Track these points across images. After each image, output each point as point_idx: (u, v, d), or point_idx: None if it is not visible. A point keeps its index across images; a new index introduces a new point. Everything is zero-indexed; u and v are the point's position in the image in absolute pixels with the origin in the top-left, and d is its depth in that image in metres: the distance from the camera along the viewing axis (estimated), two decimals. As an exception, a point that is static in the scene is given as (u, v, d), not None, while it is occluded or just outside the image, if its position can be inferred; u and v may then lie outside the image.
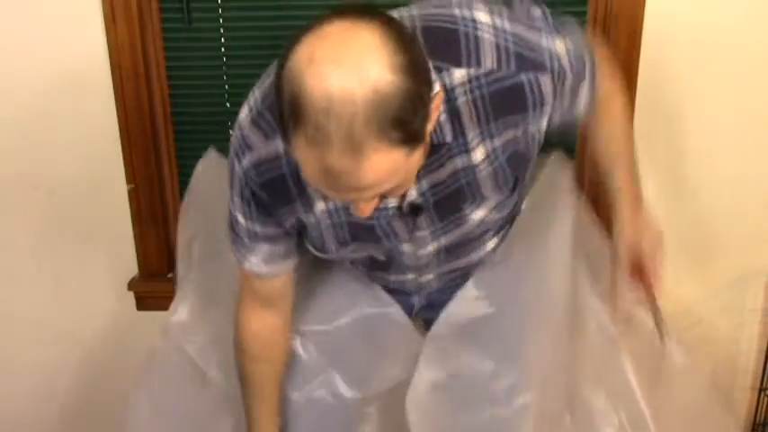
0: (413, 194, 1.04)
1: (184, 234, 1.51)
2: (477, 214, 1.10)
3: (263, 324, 1.25)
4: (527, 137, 1.02)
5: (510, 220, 1.27)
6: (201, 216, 1.48)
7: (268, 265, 1.17)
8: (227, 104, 1.72)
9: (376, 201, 0.91)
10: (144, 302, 1.87)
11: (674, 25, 1.60)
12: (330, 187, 0.85)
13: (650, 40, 1.60)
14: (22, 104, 1.69)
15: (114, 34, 1.62)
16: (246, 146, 1.03)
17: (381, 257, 1.19)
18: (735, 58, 1.62)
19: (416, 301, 1.35)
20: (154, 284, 1.84)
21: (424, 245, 1.14)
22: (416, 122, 0.82)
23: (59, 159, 1.73)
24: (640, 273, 1.26)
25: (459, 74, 0.94)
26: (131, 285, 1.83)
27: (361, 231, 1.10)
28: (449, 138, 0.97)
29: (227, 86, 1.71)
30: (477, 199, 1.07)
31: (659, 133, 1.68)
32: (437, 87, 0.92)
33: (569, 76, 1.01)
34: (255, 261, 1.16)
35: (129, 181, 1.74)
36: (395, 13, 0.96)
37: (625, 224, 1.24)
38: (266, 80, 1.03)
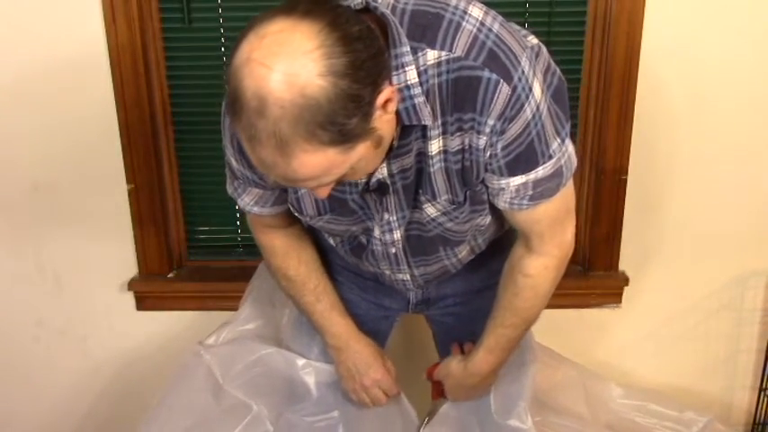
0: (383, 173, 1.04)
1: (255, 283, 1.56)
2: (430, 210, 1.10)
3: (274, 239, 1.30)
4: (472, 154, 1.01)
5: (486, 242, 1.28)
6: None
7: (259, 207, 1.21)
8: (227, 104, 1.72)
9: (330, 185, 0.94)
10: (144, 302, 1.87)
11: (673, 25, 1.60)
12: (270, 175, 0.91)
13: (649, 40, 1.60)
14: (23, 104, 1.69)
15: (114, 34, 1.62)
16: None
17: (361, 237, 1.19)
18: (734, 58, 1.62)
19: (411, 295, 1.35)
20: (153, 284, 1.84)
21: (391, 231, 1.14)
22: (352, 123, 0.84)
23: (59, 159, 1.73)
24: (440, 388, 1.39)
25: (431, 55, 0.94)
26: (131, 285, 1.83)
27: (336, 204, 1.12)
28: (427, 120, 0.97)
29: (226, 86, 1.71)
30: (430, 192, 1.07)
31: (659, 134, 1.68)
32: (409, 74, 0.93)
33: (517, 126, 0.97)
34: (248, 200, 1.21)
35: (129, 181, 1.74)
36: None
37: (460, 367, 1.31)
38: None
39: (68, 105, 1.69)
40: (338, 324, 1.33)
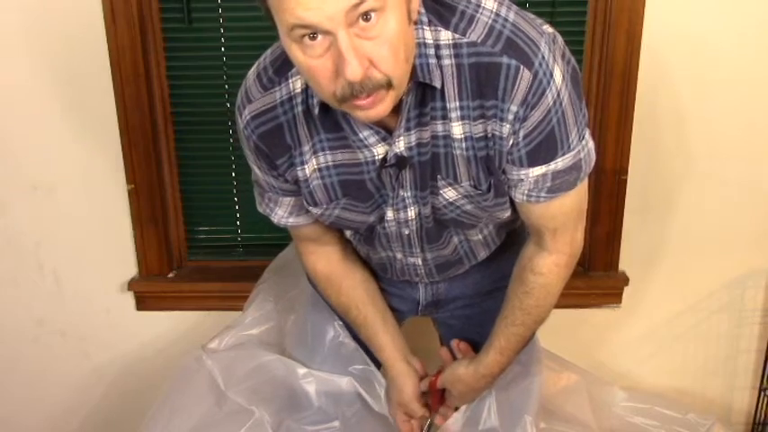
0: (400, 146, 1.04)
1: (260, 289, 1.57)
2: (449, 193, 1.10)
3: (316, 263, 1.31)
4: (495, 144, 1.01)
5: (499, 232, 1.27)
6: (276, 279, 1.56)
7: (293, 217, 1.21)
8: (227, 104, 1.72)
9: (366, 63, 0.87)
10: (143, 302, 1.87)
11: (673, 25, 1.60)
12: (310, 11, 0.83)
13: (650, 40, 1.60)
14: (23, 104, 1.69)
15: (114, 34, 1.62)
16: (247, 98, 1.10)
17: (371, 218, 1.18)
18: (734, 58, 1.62)
19: (421, 296, 1.35)
20: (153, 284, 1.84)
21: (405, 208, 1.14)
22: None
23: (59, 159, 1.73)
24: (439, 397, 1.37)
25: (445, 35, 0.96)
26: (131, 285, 1.83)
27: (352, 188, 1.12)
28: (437, 82, 0.98)
29: (227, 86, 1.72)
30: (450, 175, 1.07)
31: (658, 134, 1.68)
32: (426, 34, 0.96)
33: (539, 113, 0.98)
34: (281, 213, 1.21)
35: (129, 181, 1.74)
36: None
37: (470, 370, 1.29)
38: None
39: (69, 105, 1.69)
40: (377, 353, 1.36)
